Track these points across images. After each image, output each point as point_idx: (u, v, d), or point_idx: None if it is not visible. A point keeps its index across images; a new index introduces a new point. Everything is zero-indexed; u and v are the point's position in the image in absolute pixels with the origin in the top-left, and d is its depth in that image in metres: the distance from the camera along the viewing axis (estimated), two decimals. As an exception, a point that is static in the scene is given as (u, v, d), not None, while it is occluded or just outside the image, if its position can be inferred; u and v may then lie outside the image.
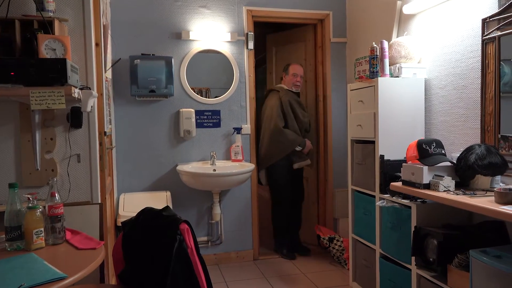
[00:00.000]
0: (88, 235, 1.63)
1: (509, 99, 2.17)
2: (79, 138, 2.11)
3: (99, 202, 2.09)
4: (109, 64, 2.84)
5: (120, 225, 2.33)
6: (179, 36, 3.40)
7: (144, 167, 3.34)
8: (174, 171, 3.32)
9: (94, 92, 2.03)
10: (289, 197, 3.68)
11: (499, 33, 2.15)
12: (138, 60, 3.16)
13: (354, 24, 3.70)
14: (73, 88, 1.74)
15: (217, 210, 3.37)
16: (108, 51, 2.72)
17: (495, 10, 2.17)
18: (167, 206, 1.87)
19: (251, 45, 3.54)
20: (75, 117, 2.06)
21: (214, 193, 3.34)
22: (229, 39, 3.47)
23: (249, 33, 3.53)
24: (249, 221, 3.60)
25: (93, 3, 2.17)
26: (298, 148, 3.56)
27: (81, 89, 1.93)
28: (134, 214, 2.21)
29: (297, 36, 4.05)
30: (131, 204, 2.97)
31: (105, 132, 2.32)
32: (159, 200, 3.07)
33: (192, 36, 3.39)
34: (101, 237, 1.91)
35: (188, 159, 3.42)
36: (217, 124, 3.49)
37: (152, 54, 3.27)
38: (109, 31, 2.89)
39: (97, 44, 2.26)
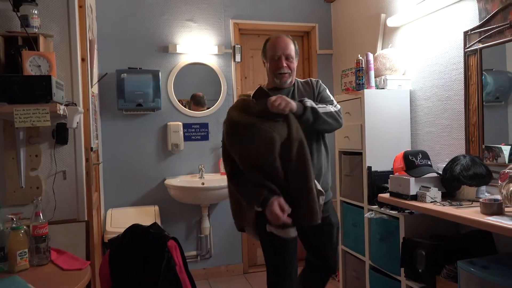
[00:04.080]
0: (73, 255, 1.60)
1: (493, 108, 2.22)
2: (64, 155, 2.08)
3: (86, 219, 2.06)
4: (95, 79, 2.83)
5: (107, 241, 2.30)
6: (166, 50, 3.40)
7: (132, 181, 3.31)
8: (162, 185, 3.30)
9: (80, 108, 2.01)
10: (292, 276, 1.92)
11: (481, 45, 2.20)
12: (125, 74, 3.15)
13: (340, 36, 3.75)
14: (58, 105, 1.72)
15: (206, 224, 3.34)
16: (94, 65, 2.71)
17: (476, 23, 2.22)
18: (155, 223, 1.86)
19: (238, 57, 3.55)
20: (61, 134, 2.03)
21: (202, 207, 3.32)
22: (216, 52, 3.48)
23: (236, 45, 3.54)
24: (239, 234, 3.57)
25: (79, 19, 2.16)
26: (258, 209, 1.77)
27: (66, 105, 1.91)
28: (122, 230, 2.18)
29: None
30: (118, 220, 2.93)
31: (91, 148, 2.30)
32: (147, 215, 3.04)
33: (179, 49, 3.39)
34: (88, 256, 1.88)
35: (176, 173, 3.39)
36: (205, 137, 3.48)
37: (139, 68, 3.26)
38: (95, 46, 2.88)
39: (83, 59, 2.24)
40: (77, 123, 2.03)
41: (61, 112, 1.78)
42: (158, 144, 3.37)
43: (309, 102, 1.86)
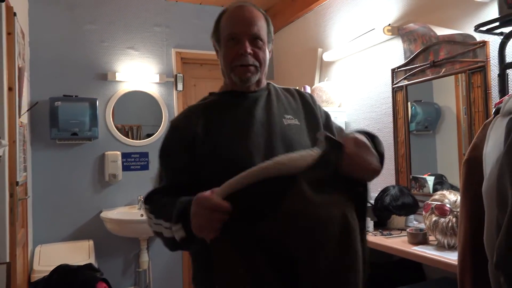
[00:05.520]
0: (-12, 305, 1.46)
1: (423, 137, 2.37)
2: (-15, 191, 1.93)
3: (7, 261, 1.90)
4: (24, 108, 2.68)
5: (33, 283, 2.14)
6: (105, 77, 3.31)
7: (65, 215, 3.12)
8: (98, 218, 3.14)
9: (4, 141, 1.88)
10: None
11: (406, 82, 2.37)
12: (59, 102, 3.02)
13: (280, 68, 3.87)
14: (-23, 139, 1.60)
15: (144, 257, 3.21)
16: (23, 94, 2.57)
17: (402, 61, 2.39)
18: (90, 264, 1.76)
19: (180, 86, 3.54)
20: (-19, 168, 1.89)
21: (141, 240, 3.19)
22: (157, 80, 3.45)
23: (178, 74, 3.53)
24: (180, 266, 3.47)
25: (6, 46, 2.05)
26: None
27: (-12, 138, 1.79)
28: (51, 268, 2.04)
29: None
30: (48, 257, 2.73)
31: (17, 182, 2.15)
32: (81, 250, 2.87)
33: (118, 77, 3.32)
34: (7, 303, 1.73)
35: (113, 205, 3.26)
36: (145, 167, 3.39)
37: (75, 96, 3.14)
38: (26, 73, 2.74)
39: (10, 89, 2.12)
40: (0, 156, 1.90)
41: (-19, 146, 1.66)
42: (94, 175, 3.23)
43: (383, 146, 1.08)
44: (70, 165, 3.16)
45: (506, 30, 1.45)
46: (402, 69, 2.39)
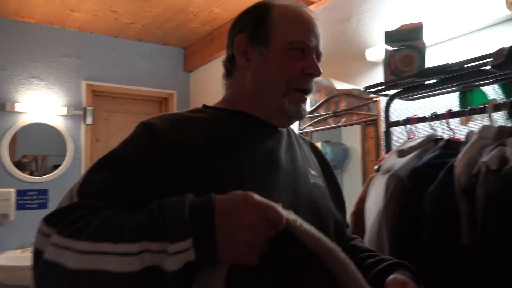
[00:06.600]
0: None
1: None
2: None
3: None
4: None
5: None
6: (2, 107, 3.04)
7: None
8: (-18, 264, 2.79)
9: None
10: None
11: (312, 128, 2.50)
12: None
13: (198, 104, 3.86)
14: None
15: (36, 307, 2.90)
16: None
17: (308, 109, 2.53)
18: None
19: (89, 120, 3.37)
20: None
21: (33, 288, 2.89)
22: (64, 113, 3.25)
23: (87, 108, 3.37)
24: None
25: None
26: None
27: None
28: None
29: (141, 108, 3.79)
30: None
31: None
32: (-44, 303, 2.51)
33: (19, 108, 3.07)
34: None
35: (2, 248, 2.92)
36: (43, 205, 3.12)
37: (-36, 126, 2.85)
38: None
39: None
40: None
41: None
42: (-19, 215, 2.90)
43: None
44: (-49, 204, 2.80)
45: (390, 92, 1.61)
46: (307, 116, 2.52)
